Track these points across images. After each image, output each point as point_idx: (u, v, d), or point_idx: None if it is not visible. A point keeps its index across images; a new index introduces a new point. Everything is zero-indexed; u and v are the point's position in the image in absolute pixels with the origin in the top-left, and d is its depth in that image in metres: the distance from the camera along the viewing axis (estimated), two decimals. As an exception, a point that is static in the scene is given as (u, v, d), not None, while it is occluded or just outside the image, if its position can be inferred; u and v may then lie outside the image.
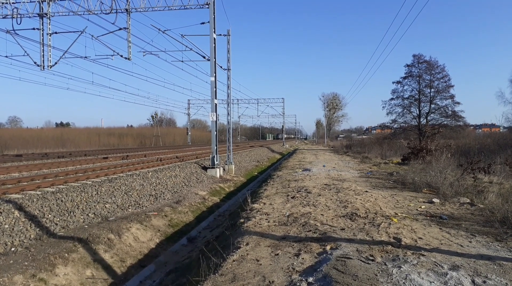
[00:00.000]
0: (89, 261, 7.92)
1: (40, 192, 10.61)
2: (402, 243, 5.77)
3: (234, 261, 5.33)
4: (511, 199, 8.59)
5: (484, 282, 4.26)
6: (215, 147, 20.92)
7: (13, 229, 8.19)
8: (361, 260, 4.92)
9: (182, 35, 22.70)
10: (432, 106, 37.97)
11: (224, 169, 22.61)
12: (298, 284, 4.27)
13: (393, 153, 30.16)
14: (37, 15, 22.44)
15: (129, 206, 12.10)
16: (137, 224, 10.30)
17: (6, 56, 22.74)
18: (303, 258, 5.19)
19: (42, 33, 22.89)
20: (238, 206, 11.96)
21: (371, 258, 5.03)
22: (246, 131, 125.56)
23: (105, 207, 11.27)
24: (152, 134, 70.45)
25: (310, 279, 4.36)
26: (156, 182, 15.27)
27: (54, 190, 11.05)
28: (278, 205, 9.41)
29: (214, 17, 20.30)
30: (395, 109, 39.75)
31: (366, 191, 11.18)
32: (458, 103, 37.25)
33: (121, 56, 22.55)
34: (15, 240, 7.86)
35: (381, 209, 8.50)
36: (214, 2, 20.30)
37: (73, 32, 22.86)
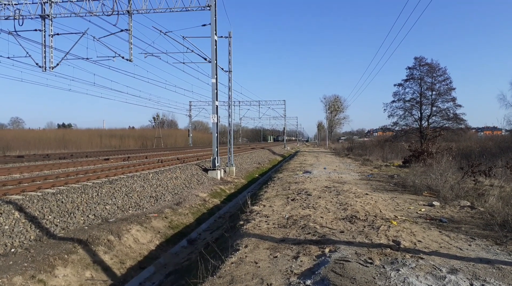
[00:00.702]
0: (88, 263, 7.92)
1: (40, 193, 10.63)
2: (401, 246, 5.76)
3: (232, 263, 5.32)
4: (511, 202, 8.57)
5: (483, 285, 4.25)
6: (216, 149, 20.93)
7: (13, 230, 8.20)
8: (359, 263, 4.91)
9: (183, 37, 22.78)
10: (434, 108, 38.01)
11: (225, 171, 22.61)
12: (296, 286, 4.26)
13: (394, 156, 30.13)
14: (39, 17, 22.53)
15: (129, 207, 12.11)
16: (137, 226, 10.30)
17: (8, 57, 22.85)
18: (301, 261, 5.19)
19: (44, 35, 22.98)
20: (238, 208, 11.95)
21: (369, 261, 5.02)
22: (247, 133, 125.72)
23: (106, 208, 11.29)
24: (153, 136, 70.62)
25: (308, 282, 4.35)
26: (156, 184, 15.28)
27: (54, 191, 11.08)
28: (278, 207, 9.41)
29: (215, 19, 20.35)
30: (397, 112, 39.84)
31: (367, 194, 11.17)
32: (460, 105, 37.33)
33: (123, 57, 22.63)
34: (15, 241, 7.88)
35: (381, 211, 8.49)
36: (215, 4, 20.35)
37: (75, 33, 22.99)
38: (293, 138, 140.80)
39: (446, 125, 37.91)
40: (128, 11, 21.54)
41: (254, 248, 5.96)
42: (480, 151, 25.12)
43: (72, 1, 21.59)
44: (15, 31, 20.94)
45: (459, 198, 10.28)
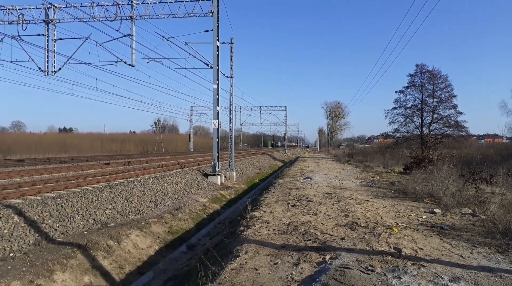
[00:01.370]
0: (87, 268, 7.87)
1: (40, 197, 10.60)
2: (403, 253, 5.72)
3: (232, 269, 5.28)
4: (513, 210, 8.52)
5: (485, 294, 4.20)
6: (217, 154, 20.91)
7: (12, 234, 8.17)
8: (360, 271, 4.87)
9: (186, 42, 22.88)
10: (435, 115, 37.97)
11: (225, 176, 22.57)
12: (296, 294, 4.22)
13: (395, 163, 30.07)
14: (42, 22, 22.68)
15: (129, 212, 12.07)
16: (137, 231, 10.26)
17: (11, 61, 22.98)
18: (302, 268, 5.15)
19: (47, 39, 23.10)
20: (238, 213, 11.90)
21: (370, 268, 4.98)
22: (248, 139, 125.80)
23: (105, 213, 11.25)
24: (154, 141, 70.61)
25: (309, 289, 4.31)
26: (157, 189, 15.25)
27: (54, 195, 11.05)
28: (279, 213, 9.37)
29: (218, 25, 20.43)
30: (398, 119, 39.79)
31: (367, 200, 11.12)
32: (461, 113, 37.28)
33: (125, 62, 22.70)
34: (13, 245, 7.84)
35: (382, 218, 8.44)
36: (218, 10, 20.45)
37: (78, 38, 23.12)
38: (294, 144, 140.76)
39: (447, 132, 37.85)
40: (131, 17, 21.66)
41: (254, 255, 5.92)
42: (481, 158, 25.07)
43: (76, 7, 21.72)
44: (19, 35, 21.08)
45: (461, 205, 10.24)
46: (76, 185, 13.06)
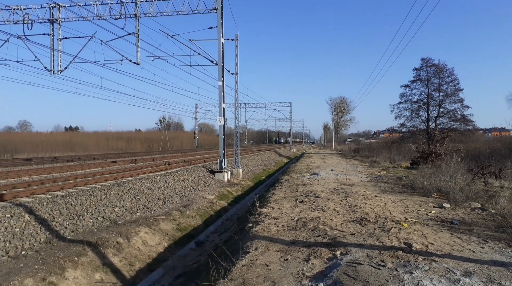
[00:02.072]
0: (98, 265, 7.94)
1: (50, 196, 10.69)
2: (413, 248, 5.71)
3: (243, 266, 5.30)
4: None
5: (498, 289, 4.19)
6: (223, 151, 20.93)
7: (23, 232, 8.25)
8: (372, 266, 4.87)
9: (190, 40, 22.88)
10: (441, 110, 37.72)
11: (231, 173, 22.61)
12: (308, 289, 4.23)
13: (401, 157, 29.91)
14: (47, 21, 22.76)
15: (137, 209, 12.14)
16: (146, 228, 10.32)
17: (17, 61, 23.14)
18: (313, 264, 5.15)
19: (53, 39, 23.20)
20: (246, 210, 11.94)
21: (382, 263, 4.98)
22: (253, 135, 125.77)
23: (114, 210, 11.32)
24: (160, 138, 70.84)
25: (321, 285, 4.32)
26: (164, 186, 15.31)
27: (63, 193, 11.14)
28: (287, 209, 9.37)
29: (222, 22, 20.40)
30: (404, 113, 39.59)
31: (375, 196, 11.10)
32: (468, 107, 37.01)
33: (130, 60, 22.75)
34: (25, 243, 7.92)
35: (390, 214, 8.42)
36: (222, 7, 20.41)
37: (83, 37, 23.19)
38: (298, 140, 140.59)
39: (454, 126, 37.59)
40: (135, 15, 21.67)
41: (265, 251, 5.94)
42: (489, 152, 24.87)
43: (80, 5, 21.77)
44: (24, 35, 21.19)
45: (470, 200, 10.18)
46: (85, 183, 13.15)
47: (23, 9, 22.08)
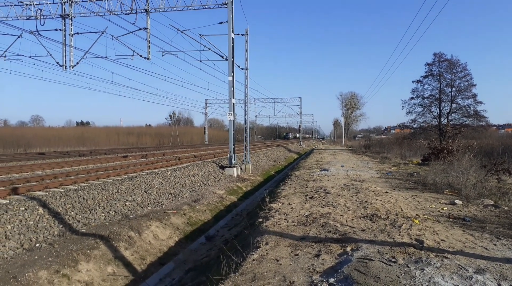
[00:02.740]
0: (110, 258, 8.05)
1: (62, 190, 10.85)
2: (425, 245, 5.67)
3: (254, 260, 5.33)
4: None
5: (511, 286, 4.14)
6: (233, 147, 20.98)
7: (37, 225, 8.40)
8: (382, 262, 4.85)
9: (200, 35, 22.89)
10: (453, 105, 37.16)
11: (241, 168, 22.67)
12: (319, 285, 4.24)
13: (413, 154, 29.63)
14: (59, 16, 22.93)
15: (148, 204, 12.26)
16: (157, 222, 10.42)
17: (30, 57, 23.39)
18: (323, 259, 5.15)
19: (64, 34, 23.38)
20: (256, 205, 11.97)
21: (393, 260, 4.95)
22: (262, 131, 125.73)
23: (125, 205, 11.45)
24: (170, 133, 71.21)
25: (332, 280, 4.32)
26: (174, 181, 15.42)
27: (76, 187, 11.29)
28: (297, 205, 9.38)
29: (232, 17, 20.36)
30: (415, 109, 39.06)
31: (386, 192, 11.03)
32: (481, 102, 36.35)
33: (141, 56, 22.85)
34: (39, 236, 8.07)
35: (402, 210, 8.37)
36: (232, 1, 20.35)
37: (94, 32, 23.31)
38: (307, 135, 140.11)
39: (466, 122, 37.04)
40: (146, 10, 21.74)
41: (275, 246, 5.95)
42: (502, 149, 24.48)
43: (92, 1, 21.91)
44: (37, 30, 21.39)
45: (482, 196, 10.06)
46: (96, 177, 13.30)
47: (36, 4, 22.29)
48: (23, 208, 8.77)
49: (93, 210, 10.21)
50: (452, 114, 37.38)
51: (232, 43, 20.50)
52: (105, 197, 11.28)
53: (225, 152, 28.28)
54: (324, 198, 10.14)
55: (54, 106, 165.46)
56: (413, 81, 39.34)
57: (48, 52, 23.45)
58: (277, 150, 43.03)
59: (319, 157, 30.69)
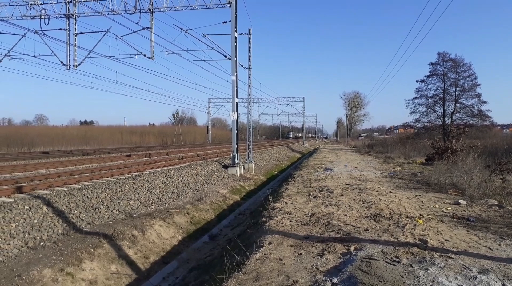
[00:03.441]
0: (114, 257, 8.08)
1: (66, 188, 10.90)
2: (428, 245, 5.65)
3: (257, 259, 5.33)
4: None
5: (516, 287, 4.12)
6: (236, 146, 21.00)
7: (41, 224, 8.44)
8: (386, 262, 4.84)
9: (204, 34, 22.94)
10: (458, 105, 37.05)
11: (244, 168, 22.68)
12: (322, 284, 4.23)
13: (416, 153, 29.56)
14: (63, 16, 23.03)
15: (152, 203, 12.29)
16: (160, 221, 10.45)
17: (34, 56, 23.53)
18: (327, 258, 5.15)
19: (68, 33, 23.48)
20: (259, 204, 11.97)
21: (396, 259, 4.94)
22: (265, 130, 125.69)
23: (129, 204, 11.48)
24: (173, 133, 71.37)
25: (335, 280, 4.32)
26: (178, 180, 15.45)
27: (80, 186, 11.34)
28: (300, 204, 9.37)
29: (235, 16, 20.37)
30: (419, 108, 39.00)
31: (390, 192, 11.01)
32: (485, 102, 36.22)
33: (144, 55, 22.93)
34: (43, 234, 8.10)
35: (405, 210, 8.35)
36: (236, 1, 20.36)
37: (98, 32, 23.42)
38: (311, 135, 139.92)
39: (470, 122, 36.91)
40: (149, 9, 21.80)
41: (278, 245, 5.95)
42: (507, 148, 24.37)
43: (96, 0, 21.98)
44: (41, 30, 21.47)
45: (486, 196, 10.02)
46: (100, 176, 13.35)
47: (40, 4, 22.38)
48: (28, 207, 8.81)
49: (96, 209, 10.25)
50: (456, 114, 37.27)
51: (236, 42, 20.51)
52: (109, 196, 11.32)
53: (228, 152, 28.30)
54: (327, 197, 10.14)
55: (58, 105, 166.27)
56: (417, 81, 39.29)
57: (52, 51, 23.60)
58: (280, 149, 43.03)
59: (322, 157, 30.66)
